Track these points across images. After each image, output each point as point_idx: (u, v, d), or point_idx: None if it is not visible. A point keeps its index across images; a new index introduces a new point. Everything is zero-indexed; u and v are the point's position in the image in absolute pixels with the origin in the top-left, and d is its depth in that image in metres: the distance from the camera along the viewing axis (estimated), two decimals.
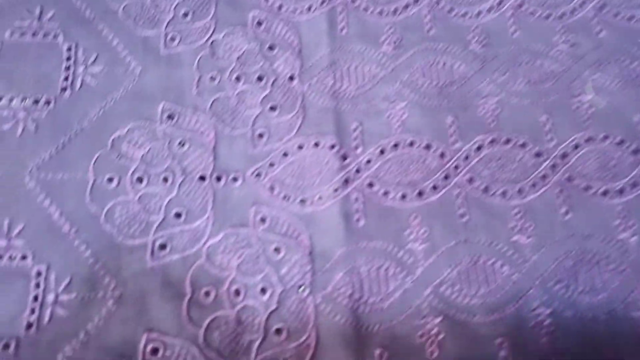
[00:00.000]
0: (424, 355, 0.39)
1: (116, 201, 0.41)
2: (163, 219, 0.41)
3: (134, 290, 0.39)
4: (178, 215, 0.42)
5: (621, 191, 0.44)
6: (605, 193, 0.44)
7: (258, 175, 0.44)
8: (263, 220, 0.42)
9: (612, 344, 0.39)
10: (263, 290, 0.40)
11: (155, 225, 0.41)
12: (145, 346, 0.37)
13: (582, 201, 0.44)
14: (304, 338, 0.39)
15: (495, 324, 0.40)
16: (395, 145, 0.46)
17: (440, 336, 0.39)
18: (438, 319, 0.40)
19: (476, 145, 0.46)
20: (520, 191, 0.44)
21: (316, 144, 0.45)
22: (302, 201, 0.43)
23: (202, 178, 0.43)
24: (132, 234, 0.40)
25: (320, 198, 0.43)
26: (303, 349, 0.38)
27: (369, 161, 0.45)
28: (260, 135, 0.45)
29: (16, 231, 0.39)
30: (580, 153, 0.45)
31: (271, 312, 0.39)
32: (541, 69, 0.48)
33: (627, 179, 0.45)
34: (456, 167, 0.45)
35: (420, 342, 0.39)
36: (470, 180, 0.45)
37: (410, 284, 0.41)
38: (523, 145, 0.46)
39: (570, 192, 0.44)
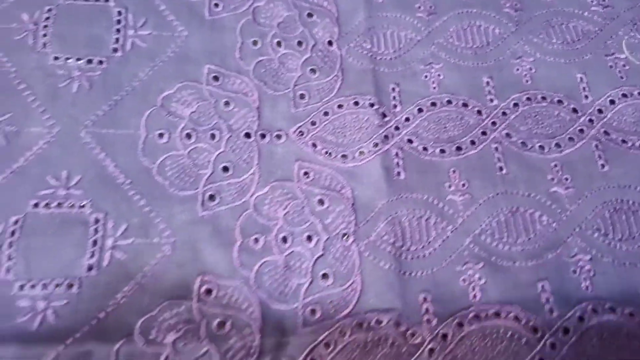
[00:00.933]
0: (466, 299, 0.40)
1: (167, 155, 0.43)
2: (212, 173, 0.43)
3: (186, 237, 0.40)
4: (225, 169, 0.43)
5: None
6: None
7: (301, 133, 0.45)
8: (307, 174, 0.44)
9: None
10: (309, 238, 0.41)
11: (204, 178, 0.43)
12: (199, 287, 0.39)
13: (619, 154, 0.45)
14: (349, 283, 0.40)
15: (536, 269, 0.41)
16: (433, 104, 0.47)
17: (482, 281, 0.41)
18: (479, 265, 0.41)
19: (512, 103, 0.47)
20: (557, 145, 0.45)
21: (355, 103, 0.47)
22: (344, 156, 0.45)
23: (248, 135, 0.45)
24: (183, 186, 0.42)
25: (361, 153, 0.45)
26: (349, 293, 0.40)
27: (407, 119, 0.46)
28: (302, 96, 0.47)
29: (74, 181, 0.41)
30: (616, 109, 0.46)
31: (317, 258, 0.41)
32: (575, 30, 0.50)
33: None
34: (493, 123, 0.46)
35: (463, 287, 0.40)
36: (508, 136, 0.46)
37: (450, 233, 0.42)
38: (559, 102, 0.47)
39: (607, 146, 0.45)
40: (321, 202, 0.43)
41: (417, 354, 0.38)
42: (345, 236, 0.42)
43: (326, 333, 0.38)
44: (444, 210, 0.43)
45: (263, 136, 0.45)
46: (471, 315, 0.39)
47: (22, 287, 0.37)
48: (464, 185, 0.44)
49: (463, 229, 0.42)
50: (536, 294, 0.40)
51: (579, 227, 0.42)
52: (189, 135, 0.44)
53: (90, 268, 0.39)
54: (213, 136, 0.44)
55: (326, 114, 0.46)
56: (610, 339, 0.39)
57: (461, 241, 0.42)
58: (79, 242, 0.39)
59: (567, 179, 0.44)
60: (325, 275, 0.40)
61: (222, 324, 0.38)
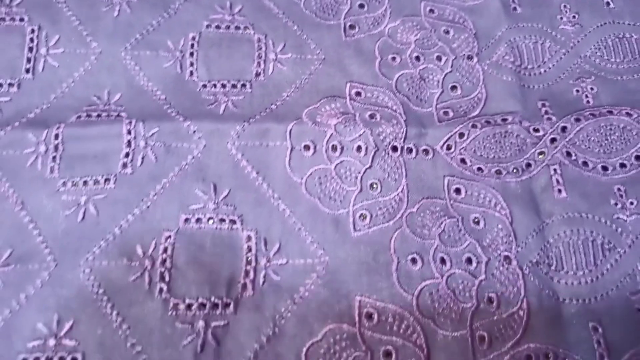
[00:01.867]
0: (581, 103, 0.46)
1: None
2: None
3: None
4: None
5: None
6: None
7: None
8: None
9: None
10: (439, 58, 0.48)
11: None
12: None
13: None
14: (475, 93, 0.47)
15: None
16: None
17: (594, 90, 0.46)
18: (590, 79, 0.47)
19: None
20: None
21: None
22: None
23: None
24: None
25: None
26: (476, 101, 0.46)
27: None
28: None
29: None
30: None
31: (446, 74, 0.48)
32: None
33: None
34: None
35: (577, 95, 0.46)
36: None
37: (563, 55, 0.48)
38: None
39: None
40: (447, 32, 0.50)
41: (540, 143, 0.44)
42: (470, 57, 0.48)
43: (460, 126, 0.45)
44: (557, 37, 0.49)
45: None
46: (587, 112, 0.45)
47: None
48: (574, 17, 0.50)
49: (575, 52, 0.48)
50: None
51: None
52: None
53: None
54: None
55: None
56: None
57: (573, 60, 0.48)
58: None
59: None
60: (454, 87, 0.47)
61: None
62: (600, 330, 0.38)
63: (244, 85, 0.46)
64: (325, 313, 0.38)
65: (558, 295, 0.39)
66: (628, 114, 0.45)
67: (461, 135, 0.44)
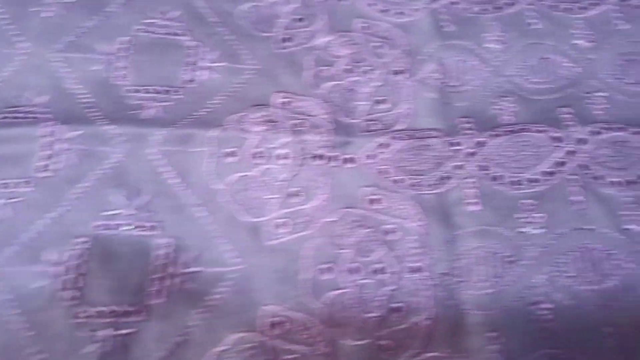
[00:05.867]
0: (501, 120, 0.48)
1: None
2: None
3: None
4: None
5: None
6: None
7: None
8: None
9: None
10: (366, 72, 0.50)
11: None
12: None
13: None
14: (404, 107, 0.48)
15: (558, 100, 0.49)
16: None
17: (515, 108, 0.48)
18: (511, 97, 0.49)
19: None
20: None
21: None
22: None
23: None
24: None
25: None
26: (402, 114, 0.48)
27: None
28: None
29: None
30: None
31: (377, 87, 0.49)
32: None
33: None
34: None
35: (498, 113, 0.48)
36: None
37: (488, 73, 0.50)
38: None
39: None
40: (378, 47, 0.51)
41: (458, 157, 0.45)
42: (399, 73, 0.50)
43: (383, 137, 0.46)
44: (482, 56, 0.51)
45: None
46: (505, 129, 0.47)
47: None
48: (500, 36, 0.52)
49: (498, 71, 0.50)
50: (559, 117, 0.48)
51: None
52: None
53: None
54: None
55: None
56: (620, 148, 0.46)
57: (496, 79, 0.50)
58: None
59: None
60: (382, 101, 0.48)
61: None
62: (500, 339, 0.39)
63: (175, 91, 0.47)
64: (234, 321, 0.38)
65: (463, 306, 0.40)
66: (542, 131, 0.47)
67: (384, 146, 0.46)
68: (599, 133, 0.46)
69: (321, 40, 0.51)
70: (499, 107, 0.48)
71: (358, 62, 0.50)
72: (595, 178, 0.45)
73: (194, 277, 0.39)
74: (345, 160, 0.45)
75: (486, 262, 0.42)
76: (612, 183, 0.44)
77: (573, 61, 0.50)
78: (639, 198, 0.44)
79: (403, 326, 0.39)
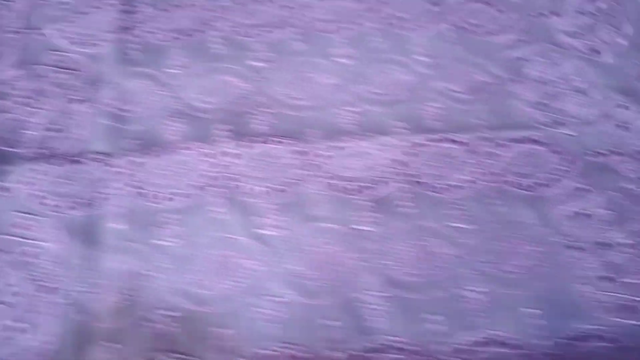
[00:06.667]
0: (169, 137, 0.51)
1: None
2: None
3: None
4: None
5: None
6: None
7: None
8: None
9: None
10: None
11: None
12: None
13: None
14: None
15: None
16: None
17: (179, 128, 0.51)
18: (180, 123, 0.52)
19: None
20: None
21: None
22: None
23: None
24: None
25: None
26: None
27: None
28: None
29: None
30: None
31: None
32: None
33: None
34: None
35: (169, 131, 0.51)
36: None
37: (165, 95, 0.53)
38: None
39: None
40: (59, 76, 0.53)
41: (115, 177, 0.48)
42: (77, 101, 0.52)
43: (45, 165, 0.48)
44: (162, 80, 0.54)
45: None
46: (162, 149, 0.50)
47: None
48: (181, 62, 0.55)
49: (175, 93, 0.53)
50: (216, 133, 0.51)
51: None
52: None
53: None
54: None
55: None
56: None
57: (172, 101, 0.53)
58: None
59: None
60: (55, 129, 0.50)
61: None
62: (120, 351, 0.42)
63: None
64: None
65: (92, 321, 0.42)
66: (193, 149, 0.50)
67: (41, 172, 0.48)
68: (252, 147, 0.51)
69: (7, 74, 0.53)
70: (167, 127, 0.51)
71: (38, 95, 0.52)
72: (238, 188, 0.49)
73: None
74: (4, 190, 0.47)
75: (120, 279, 0.44)
76: (257, 192, 0.49)
77: (246, 81, 0.55)
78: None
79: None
